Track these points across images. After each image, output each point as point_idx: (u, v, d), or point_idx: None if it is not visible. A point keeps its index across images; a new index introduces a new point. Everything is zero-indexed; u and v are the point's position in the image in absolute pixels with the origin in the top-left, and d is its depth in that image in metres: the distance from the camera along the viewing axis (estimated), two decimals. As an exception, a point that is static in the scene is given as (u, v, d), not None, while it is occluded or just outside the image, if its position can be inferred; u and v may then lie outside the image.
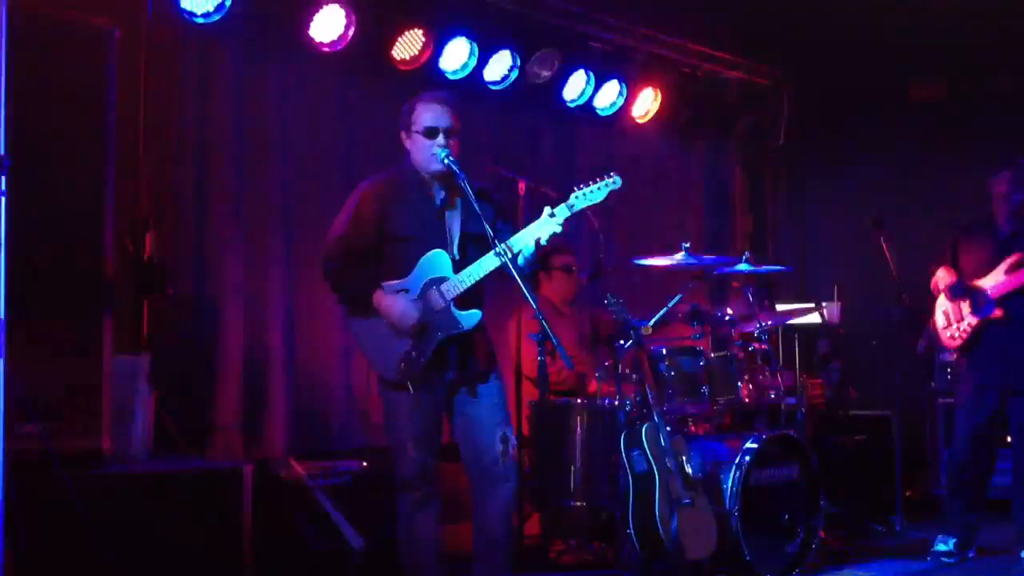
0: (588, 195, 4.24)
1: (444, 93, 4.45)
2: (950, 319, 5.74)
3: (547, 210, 4.22)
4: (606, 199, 4.26)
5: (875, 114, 8.07)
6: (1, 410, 3.11)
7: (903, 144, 7.95)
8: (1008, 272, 5.61)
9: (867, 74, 7.88)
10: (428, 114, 4.32)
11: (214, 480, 4.43)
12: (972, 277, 5.73)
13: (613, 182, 4.25)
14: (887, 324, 6.31)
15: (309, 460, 5.15)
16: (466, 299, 4.24)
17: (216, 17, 5.27)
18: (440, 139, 4.27)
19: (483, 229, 4.14)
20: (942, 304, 5.80)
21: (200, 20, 5.25)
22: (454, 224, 4.35)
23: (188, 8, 5.22)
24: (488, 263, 4.17)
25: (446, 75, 6.35)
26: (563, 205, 4.22)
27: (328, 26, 5.72)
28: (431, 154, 4.28)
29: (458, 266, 4.24)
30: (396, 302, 4.21)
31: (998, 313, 5.58)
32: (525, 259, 4.23)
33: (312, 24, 5.66)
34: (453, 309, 4.21)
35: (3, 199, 3.24)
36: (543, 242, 4.20)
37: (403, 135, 4.40)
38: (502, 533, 4.30)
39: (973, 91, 7.81)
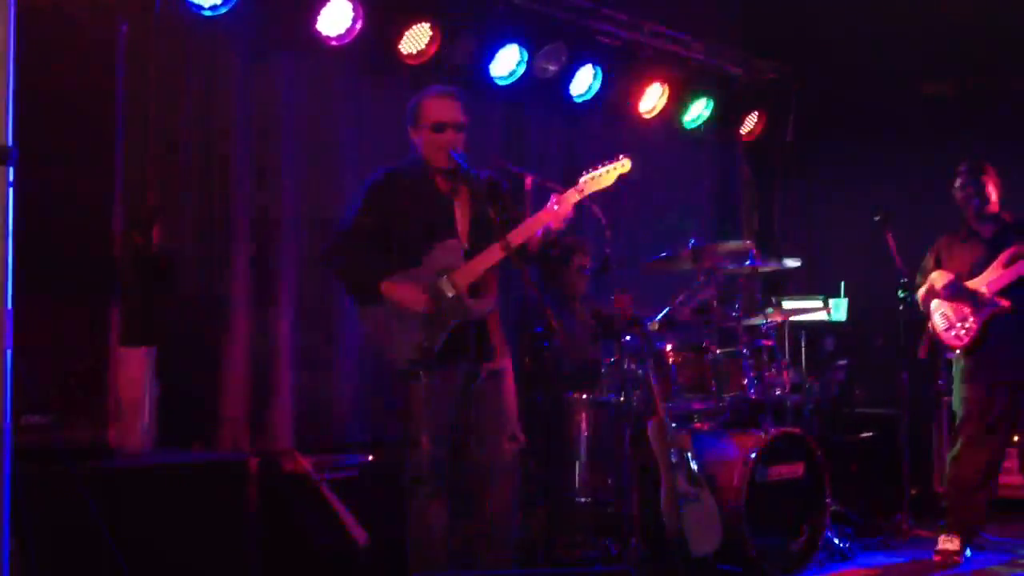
0: (597, 178, 4.25)
1: (450, 88, 4.47)
2: (951, 320, 5.71)
3: (554, 196, 4.24)
4: (615, 184, 4.26)
5: (884, 111, 8.04)
6: (8, 401, 3.11)
7: (912, 141, 7.91)
8: (1006, 266, 5.62)
9: (876, 70, 7.85)
10: (436, 109, 4.35)
11: (219, 473, 4.43)
12: (964, 279, 5.72)
13: (622, 164, 4.27)
14: (893, 322, 6.28)
15: (315, 454, 5.16)
16: (478, 288, 4.25)
17: (223, 10, 5.27)
18: (448, 134, 4.29)
19: (491, 219, 4.16)
20: (939, 307, 5.78)
21: (207, 13, 5.25)
22: (463, 215, 4.37)
23: (195, 2, 5.21)
24: (496, 252, 4.19)
25: (454, 69, 6.34)
26: (572, 189, 4.24)
27: (335, 20, 5.72)
28: (438, 149, 4.30)
29: (469, 256, 4.26)
30: (407, 287, 4.22)
31: (1005, 304, 5.58)
32: (535, 245, 4.24)
33: (319, 18, 5.66)
34: (464, 297, 4.22)
35: (11, 191, 3.23)
36: (554, 227, 4.21)
37: (410, 130, 4.42)
38: (508, 525, 4.34)
39: (983, 88, 7.78)
